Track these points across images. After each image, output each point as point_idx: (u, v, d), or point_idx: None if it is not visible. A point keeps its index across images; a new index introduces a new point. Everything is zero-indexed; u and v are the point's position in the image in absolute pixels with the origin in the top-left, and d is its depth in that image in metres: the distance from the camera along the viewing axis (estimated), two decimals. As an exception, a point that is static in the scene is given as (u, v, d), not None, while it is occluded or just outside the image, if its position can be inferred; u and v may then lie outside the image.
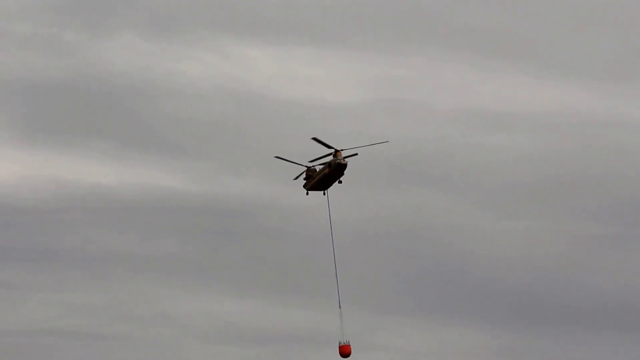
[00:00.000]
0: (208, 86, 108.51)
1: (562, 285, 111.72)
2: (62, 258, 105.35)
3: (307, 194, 56.54)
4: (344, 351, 54.26)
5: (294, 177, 57.22)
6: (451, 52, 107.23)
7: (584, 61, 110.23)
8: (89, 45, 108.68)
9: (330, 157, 53.70)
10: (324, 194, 56.04)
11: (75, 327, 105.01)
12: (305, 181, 56.44)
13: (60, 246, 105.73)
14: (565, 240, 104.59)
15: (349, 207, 52.60)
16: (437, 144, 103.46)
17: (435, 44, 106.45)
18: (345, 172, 53.82)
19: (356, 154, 53.72)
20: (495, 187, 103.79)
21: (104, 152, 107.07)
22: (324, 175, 54.40)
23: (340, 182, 54.78)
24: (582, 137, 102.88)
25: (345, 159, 52.70)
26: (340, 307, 54.48)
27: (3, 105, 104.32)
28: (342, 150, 52.91)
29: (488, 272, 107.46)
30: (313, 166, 55.13)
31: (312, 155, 53.42)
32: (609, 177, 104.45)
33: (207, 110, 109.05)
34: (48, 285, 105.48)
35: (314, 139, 52.51)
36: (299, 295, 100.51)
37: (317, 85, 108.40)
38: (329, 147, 52.90)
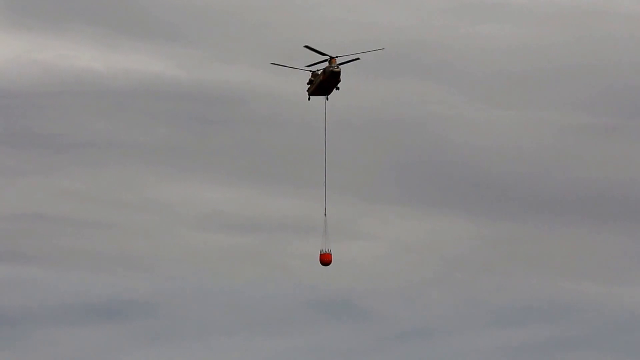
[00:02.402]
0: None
1: (550, 175, 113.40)
2: (49, 143, 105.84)
3: (309, 99, 56.52)
4: (325, 259, 55.10)
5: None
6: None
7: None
8: None
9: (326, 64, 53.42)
10: (327, 99, 55.84)
11: (61, 213, 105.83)
12: (308, 85, 56.19)
13: (48, 131, 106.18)
14: (556, 129, 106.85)
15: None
16: (427, 34, 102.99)
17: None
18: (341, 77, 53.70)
19: (358, 59, 53.47)
20: (485, 77, 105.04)
21: (94, 37, 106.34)
22: (320, 82, 54.52)
23: (337, 88, 54.65)
24: (572, 27, 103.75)
25: (339, 66, 52.75)
26: (325, 214, 55.05)
27: None
28: (337, 57, 52.79)
29: (476, 162, 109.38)
30: (316, 70, 54.59)
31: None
32: (599, 66, 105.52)
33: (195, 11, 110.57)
34: (34, 170, 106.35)
35: (307, 46, 52.31)
36: (287, 184, 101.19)
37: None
38: (323, 54, 52.66)
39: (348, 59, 53.28)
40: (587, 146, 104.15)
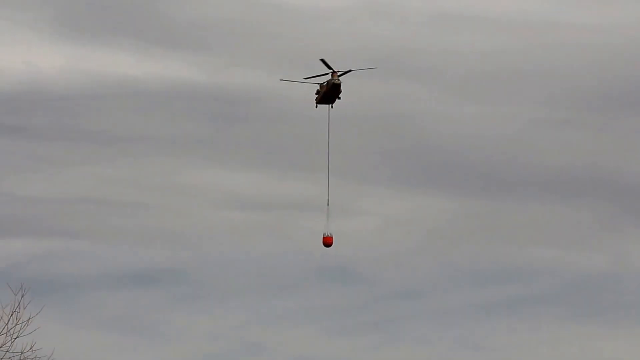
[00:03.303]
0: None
1: (515, 160, 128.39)
2: (95, 138, 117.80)
3: (317, 107, 58.25)
4: (327, 241, 58.28)
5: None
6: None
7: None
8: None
9: (326, 76, 56.37)
10: (331, 107, 57.70)
11: (106, 196, 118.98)
12: (315, 95, 57.83)
13: (93, 128, 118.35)
14: (519, 122, 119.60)
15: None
16: (412, 43, 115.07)
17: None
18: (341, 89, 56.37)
19: (350, 70, 55.87)
20: (462, 78, 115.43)
21: (131, 48, 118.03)
22: (324, 93, 56.90)
23: (339, 98, 57.01)
24: (532, 36, 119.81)
25: (339, 79, 55.56)
26: (328, 204, 57.90)
27: (46, 8, 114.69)
28: (337, 71, 55.35)
29: (454, 149, 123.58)
30: (322, 83, 56.87)
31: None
32: (553, 69, 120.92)
33: (219, 13, 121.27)
34: (82, 161, 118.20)
35: (322, 60, 55.49)
36: (295, 171, 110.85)
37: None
38: (331, 68, 55.44)
39: (345, 71, 55.46)
40: (545, 136, 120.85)
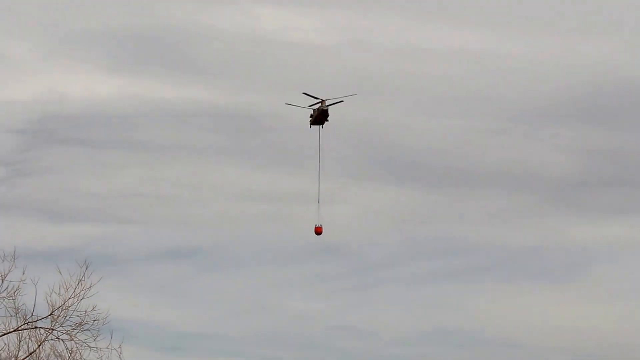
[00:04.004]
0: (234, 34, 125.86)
1: (464, 162, 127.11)
2: (142, 147, 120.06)
3: (310, 127, 57.42)
4: (318, 231, 57.39)
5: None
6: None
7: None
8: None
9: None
10: (322, 127, 56.80)
11: (150, 191, 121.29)
12: (310, 119, 57.05)
13: (141, 139, 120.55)
14: (465, 131, 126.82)
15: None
16: (385, 73, 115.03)
17: None
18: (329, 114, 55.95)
19: (342, 101, 55.72)
20: (422, 97, 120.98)
21: (166, 76, 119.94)
22: (315, 117, 56.46)
23: (327, 120, 56.25)
24: (474, 63, 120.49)
25: (327, 106, 55.27)
26: (319, 202, 57.04)
27: (103, 46, 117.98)
28: (326, 100, 55.16)
29: (417, 153, 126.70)
30: (314, 108, 56.15)
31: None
32: (491, 89, 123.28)
33: (234, 48, 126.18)
34: (134, 165, 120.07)
35: (305, 94, 54.97)
36: (294, 171, 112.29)
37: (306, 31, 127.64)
38: (317, 98, 54.99)
39: (334, 101, 55.11)
40: (485, 142, 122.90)
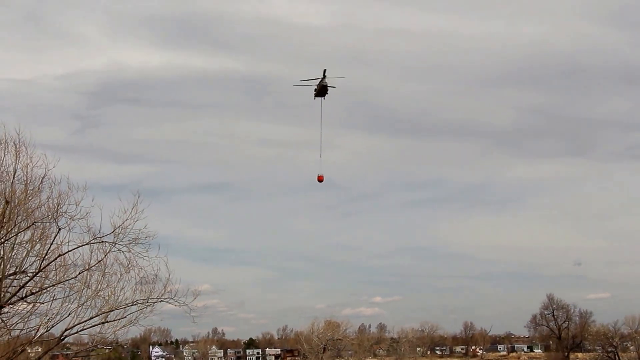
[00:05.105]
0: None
1: (433, 117, 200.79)
2: (181, 105, 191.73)
3: (315, 98, 61.36)
4: (320, 179, 63.02)
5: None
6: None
7: None
8: None
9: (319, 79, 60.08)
10: (324, 98, 60.73)
11: (188, 139, 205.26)
12: (314, 92, 61.24)
13: (181, 99, 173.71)
14: (435, 93, 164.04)
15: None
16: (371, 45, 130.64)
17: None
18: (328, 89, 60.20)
19: (343, 77, 61.29)
20: (400, 67, 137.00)
21: (200, 50, 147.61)
22: (318, 90, 60.77)
23: (327, 93, 60.29)
24: (439, 42, 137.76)
25: (326, 82, 59.47)
26: (321, 156, 61.81)
27: (152, 27, 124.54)
28: (326, 77, 59.36)
29: (396, 109, 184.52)
30: (321, 81, 59.99)
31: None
32: (452, 61, 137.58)
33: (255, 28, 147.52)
34: (174, 118, 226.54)
35: (301, 80, 58.90)
36: (303, 124, 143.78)
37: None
38: (314, 79, 59.68)
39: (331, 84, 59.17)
40: (449, 101, 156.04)
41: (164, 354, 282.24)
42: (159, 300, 29.02)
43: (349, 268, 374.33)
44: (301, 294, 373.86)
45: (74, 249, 27.98)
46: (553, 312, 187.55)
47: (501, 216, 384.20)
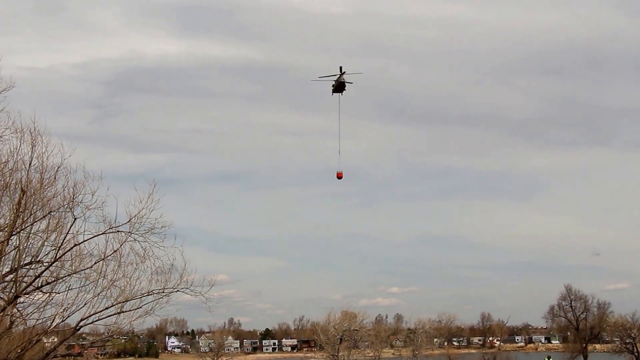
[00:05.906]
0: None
1: (451, 108, 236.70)
2: (200, 93, 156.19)
3: (332, 94, 63.13)
4: (339, 176, 64.68)
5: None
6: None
7: None
8: None
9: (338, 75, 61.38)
10: (341, 94, 62.16)
11: (205, 128, 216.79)
12: (332, 88, 62.95)
13: (199, 86, 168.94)
14: (452, 82, 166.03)
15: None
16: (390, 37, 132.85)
17: None
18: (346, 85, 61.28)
19: (361, 73, 62.14)
20: (418, 57, 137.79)
21: (219, 39, 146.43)
22: (336, 86, 62.23)
23: (345, 89, 61.47)
24: (459, 30, 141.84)
25: (345, 78, 60.56)
26: (339, 153, 64.04)
27: (170, 16, 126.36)
28: (345, 72, 60.55)
29: (414, 100, 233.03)
30: (339, 78, 61.22)
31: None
32: (470, 47, 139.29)
33: (275, 17, 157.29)
34: (191, 107, 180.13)
35: (319, 77, 60.85)
36: (321, 114, 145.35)
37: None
38: (332, 75, 61.06)
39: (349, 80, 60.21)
40: (469, 91, 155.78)
41: (180, 344, 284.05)
42: (175, 290, 28.75)
43: (366, 258, 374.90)
44: (318, 284, 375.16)
45: (90, 238, 27.95)
46: (571, 303, 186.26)
47: (520, 206, 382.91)
